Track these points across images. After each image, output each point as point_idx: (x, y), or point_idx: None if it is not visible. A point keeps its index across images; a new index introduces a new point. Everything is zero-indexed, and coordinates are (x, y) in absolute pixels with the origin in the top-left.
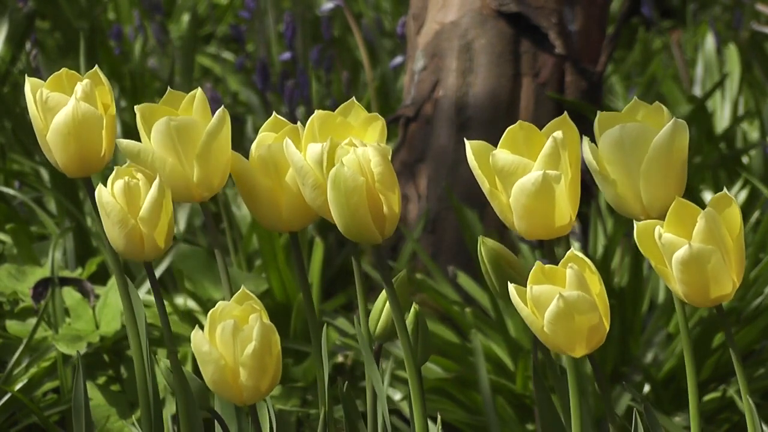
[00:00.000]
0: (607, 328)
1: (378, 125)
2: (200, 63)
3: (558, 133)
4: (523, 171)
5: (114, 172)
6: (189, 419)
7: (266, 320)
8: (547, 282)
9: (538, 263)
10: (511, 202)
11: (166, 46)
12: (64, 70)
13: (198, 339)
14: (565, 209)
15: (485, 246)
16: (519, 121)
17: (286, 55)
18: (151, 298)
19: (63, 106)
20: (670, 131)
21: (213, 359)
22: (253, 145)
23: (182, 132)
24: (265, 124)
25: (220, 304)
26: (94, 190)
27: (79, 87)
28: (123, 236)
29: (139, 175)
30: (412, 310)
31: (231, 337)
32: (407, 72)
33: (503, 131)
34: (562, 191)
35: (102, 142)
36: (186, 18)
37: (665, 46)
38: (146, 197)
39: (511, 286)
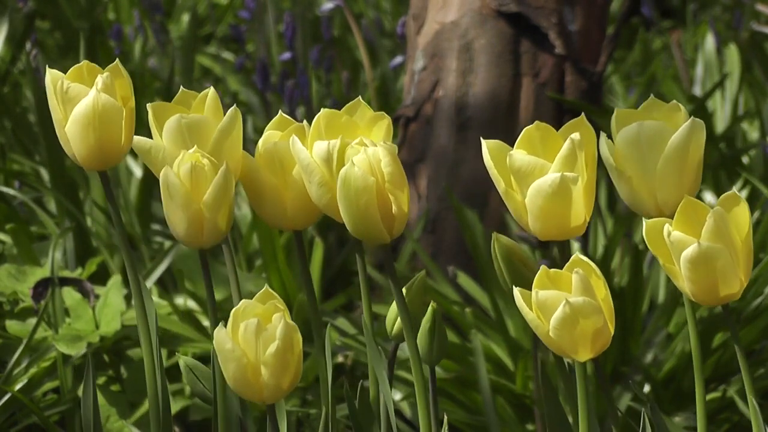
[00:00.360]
0: (612, 332)
1: (384, 124)
2: (200, 63)
3: (576, 135)
4: (540, 172)
5: (180, 156)
6: (226, 421)
7: (289, 320)
8: (552, 286)
9: (543, 267)
10: (527, 202)
11: (166, 46)
12: (84, 62)
13: (221, 336)
14: (580, 210)
15: (498, 243)
16: (536, 122)
17: (286, 55)
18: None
19: (83, 97)
20: (688, 130)
21: (235, 357)
22: (259, 143)
23: (194, 130)
24: (270, 122)
25: (243, 302)
26: (109, 183)
27: (100, 79)
28: (185, 219)
29: (205, 160)
30: (429, 308)
31: (254, 335)
32: (407, 72)
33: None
34: (578, 193)
35: (121, 134)
36: (186, 18)
37: (665, 46)
38: (212, 182)
39: (516, 290)
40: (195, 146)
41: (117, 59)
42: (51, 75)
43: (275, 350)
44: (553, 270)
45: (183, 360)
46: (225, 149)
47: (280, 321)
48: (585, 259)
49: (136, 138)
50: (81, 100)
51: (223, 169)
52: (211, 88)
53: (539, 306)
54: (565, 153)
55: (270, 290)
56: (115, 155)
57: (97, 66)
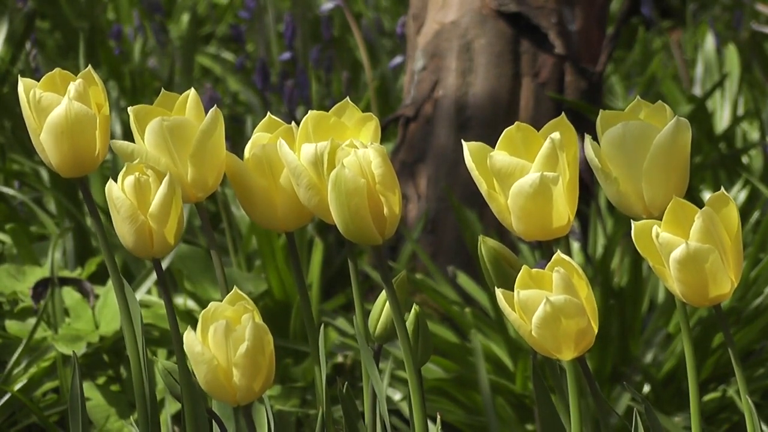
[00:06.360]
0: (596, 331)
1: (372, 125)
2: (200, 63)
3: (555, 134)
4: (521, 172)
5: (125, 168)
6: (194, 419)
7: (258, 320)
8: (534, 286)
9: (524, 267)
10: (509, 203)
11: (166, 46)
12: (57, 70)
13: (190, 340)
14: (563, 210)
15: (485, 245)
16: (517, 123)
17: (286, 55)
18: (151, 298)
19: (56, 105)
20: (672, 129)
21: (206, 360)
22: (248, 146)
23: (175, 132)
24: (259, 124)
25: (212, 304)
26: (89, 190)
27: (72, 87)
28: (132, 232)
29: (150, 172)
30: (413, 310)
31: (223, 337)
32: (407, 72)
33: (503, 131)
34: (559, 192)
35: (96, 141)
36: (186, 18)
37: (665, 46)
38: (156, 193)
39: (499, 291)
40: (177, 148)
41: (90, 67)
42: (23, 84)
43: (245, 351)
44: (535, 270)
45: (161, 363)
46: (207, 150)
47: (249, 321)
48: (567, 258)
49: (118, 142)
50: (54, 109)
51: (167, 179)
52: (192, 89)
53: (521, 306)
54: (545, 153)
55: (239, 292)
56: (90, 162)
57: (70, 73)
